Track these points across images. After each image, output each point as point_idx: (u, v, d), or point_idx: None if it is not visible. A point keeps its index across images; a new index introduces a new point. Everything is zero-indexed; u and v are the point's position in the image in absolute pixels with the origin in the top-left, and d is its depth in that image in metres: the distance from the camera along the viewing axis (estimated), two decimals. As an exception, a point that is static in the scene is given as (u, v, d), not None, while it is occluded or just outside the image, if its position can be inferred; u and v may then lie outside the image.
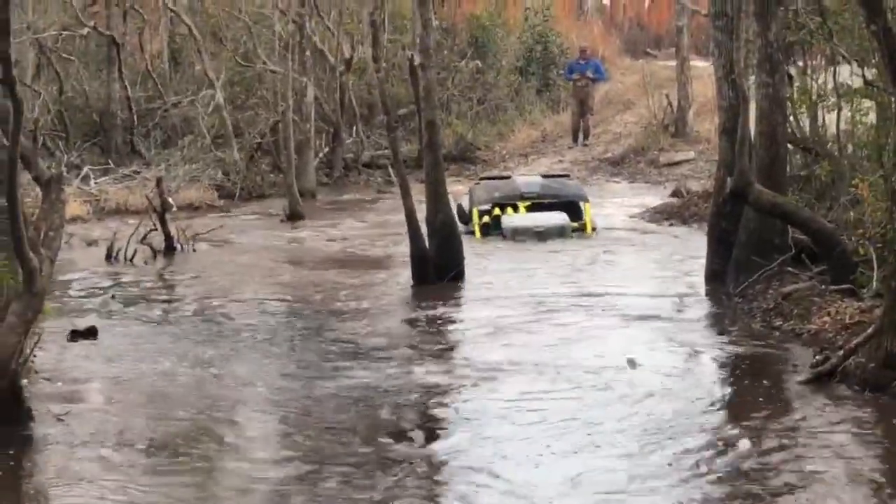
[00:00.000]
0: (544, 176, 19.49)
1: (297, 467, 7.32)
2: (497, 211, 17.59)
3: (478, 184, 19.18)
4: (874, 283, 10.29)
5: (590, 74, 25.86)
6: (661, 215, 18.73)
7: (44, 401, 8.64)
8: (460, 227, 15.38)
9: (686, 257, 14.97)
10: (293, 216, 19.39)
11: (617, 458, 7.33)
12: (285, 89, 20.96)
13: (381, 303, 12.69)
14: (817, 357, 9.15)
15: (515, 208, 17.72)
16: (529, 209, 17.68)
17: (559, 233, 16.86)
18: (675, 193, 20.00)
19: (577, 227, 17.22)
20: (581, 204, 17.71)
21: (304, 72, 22.39)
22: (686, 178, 21.91)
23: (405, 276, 13.81)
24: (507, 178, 19.71)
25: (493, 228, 17.28)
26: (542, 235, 16.78)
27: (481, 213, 17.56)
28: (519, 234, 16.83)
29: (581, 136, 26.05)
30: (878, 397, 8.32)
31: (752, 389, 8.95)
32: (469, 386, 9.18)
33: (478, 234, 17.16)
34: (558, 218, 17.15)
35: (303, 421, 8.31)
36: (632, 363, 9.64)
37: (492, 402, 8.70)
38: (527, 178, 19.41)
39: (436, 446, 7.73)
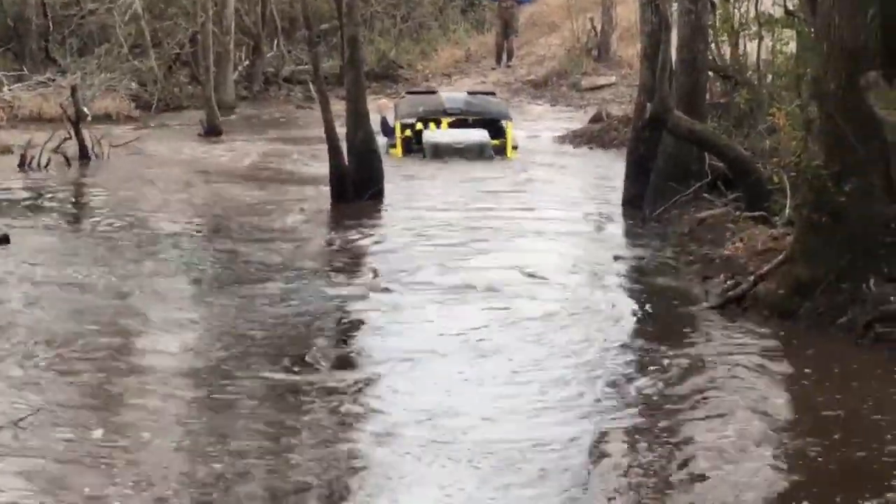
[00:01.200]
0: (470, 93, 19.50)
1: (200, 390, 7.21)
2: (420, 126, 17.56)
3: (403, 97, 19.14)
4: (787, 211, 10.45)
5: (515, -3, 25.78)
6: (581, 139, 18.82)
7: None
8: (381, 142, 15.34)
9: (604, 181, 15.09)
10: (211, 130, 19.19)
11: (527, 384, 7.37)
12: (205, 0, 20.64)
13: (299, 221, 12.65)
14: (728, 282, 9.29)
15: (438, 124, 17.72)
16: (452, 125, 17.68)
17: (479, 151, 16.86)
18: (595, 118, 20.06)
19: (499, 145, 17.23)
20: (504, 123, 17.72)
21: (225, -18, 22.05)
22: (607, 102, 21.99)
23: (324, 193, 13.76)
24: (433, 93, 19.71)
25: (415, 143, 17.26)
26: (461, 152, 16.76)
27: (404, 127, 17.51)
28: (438, 151, 16.81)
29: (505, 56, 26.00)
30: (785, 323, 8.47)
31: (663, 313, 9.08)
32: (382, 309, 9.15)
33: (399, 149, 17.12)
34: (478, 135, 17.14)
35: (210, 342, 8.22)
36: None
37: (405, 326, 8.70)
38: (452, 94, 19.42)
39: (345, 373, 7.65)
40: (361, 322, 8.90)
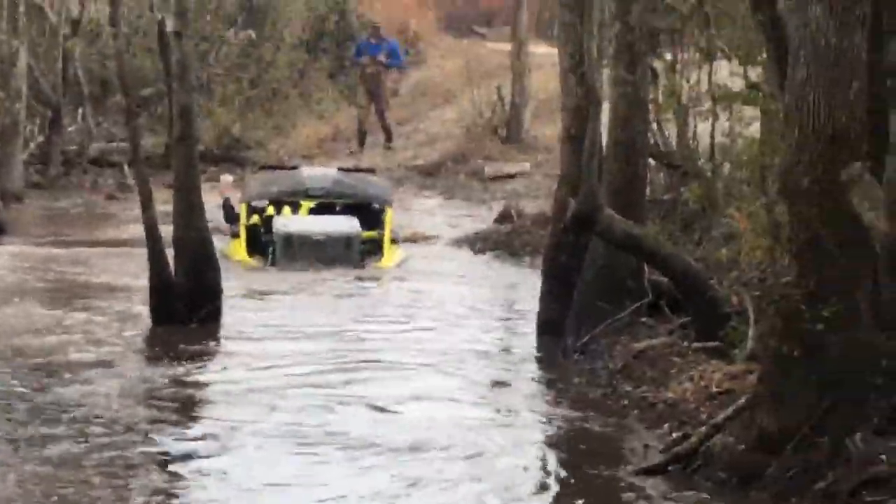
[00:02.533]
0: (342, 169, 19.69)
1: None
2: (272, 211, 17.65)
3: (255, 174, 19.31)
4: (749, 342, 10.59)
5: (382, 58, 26.08)
6: (485, 243, 18.98)
7: None
8: (217, 244, 15.31)
9: (514, 300, 15.19)
10: (-9, 227, 19.07)
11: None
12: (-12, 54, 20.61)
13: (105, 354, 12.44)
14: (674, 434, 9.35)
15: (297, 208, 17.81)
16: (315, 211, 17.79)
17: (345, 245, 16.89)
18: (503, 216, 20.27)
19: (375, 238, 17.34)
20: (383, 209, 17.85)
21: (14, 33, 22.01)
22: (518, 196, 22.19)
23: (141, 313, 13.66)
24: (293, 168, 19.89)
25: (264, 233, 17.29)
26: (321, 247, 16.77)
27: (251, 211, 17.56)
28: (291, 244, 16.80)
29: (384, 136, 26.29)
30: (747, 490, 8.49)
31: (587, 479, 9.03)
32: (213, 483, 8.95)
33: (243, 242, 17.13)
34: (345, 225, 17.18)
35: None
36: None
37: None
38: (318, 170, 19.61)
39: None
40: (180, 496, 8.70)
